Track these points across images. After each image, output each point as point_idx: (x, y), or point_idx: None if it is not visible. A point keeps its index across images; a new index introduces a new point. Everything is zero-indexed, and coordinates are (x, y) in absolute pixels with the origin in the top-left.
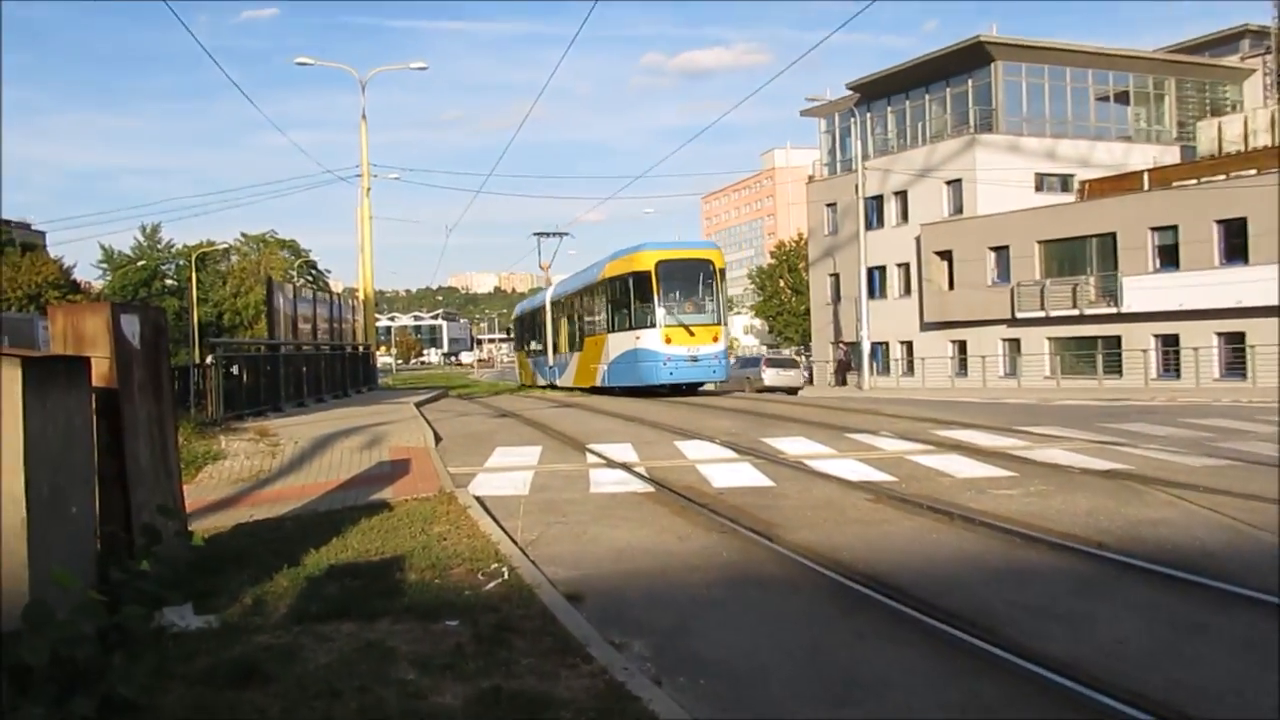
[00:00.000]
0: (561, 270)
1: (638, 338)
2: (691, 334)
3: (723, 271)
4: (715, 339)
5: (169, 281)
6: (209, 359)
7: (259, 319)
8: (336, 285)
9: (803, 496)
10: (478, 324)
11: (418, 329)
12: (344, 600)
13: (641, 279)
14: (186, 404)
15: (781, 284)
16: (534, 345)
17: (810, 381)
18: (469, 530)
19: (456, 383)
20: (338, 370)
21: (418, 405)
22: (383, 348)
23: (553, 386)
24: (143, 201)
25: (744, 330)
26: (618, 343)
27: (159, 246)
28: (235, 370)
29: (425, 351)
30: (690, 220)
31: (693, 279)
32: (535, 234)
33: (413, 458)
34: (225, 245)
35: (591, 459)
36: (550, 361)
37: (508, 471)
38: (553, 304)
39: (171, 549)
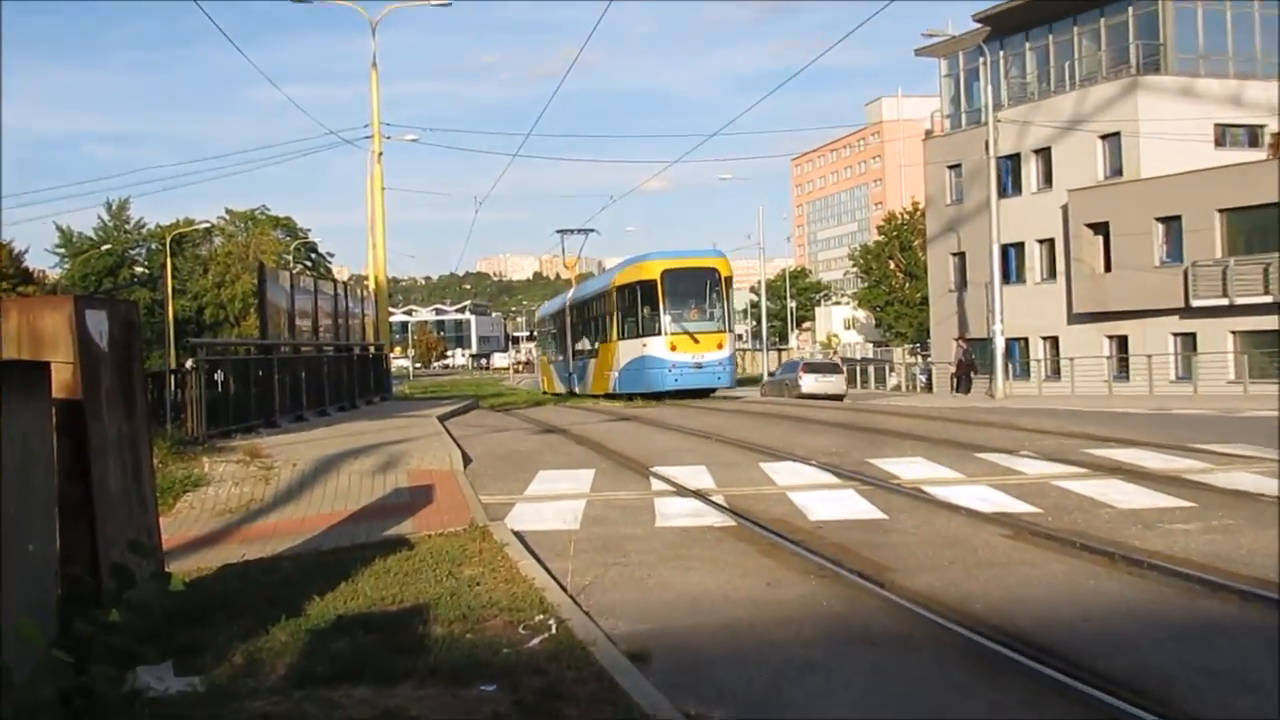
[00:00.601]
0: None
1: (644, 345)
2: (696, 341)
3: (728, 279)
4: (720, 345)
5: (139, 269)
6: (189, 363)
7: (248, 314)
8: (342, 272)
9: (922, 532)
10: (513, 318)
11: (440, 325)
12: (356, 659)
13: (648, 288)
14: (161, 419)
15: (891, 266)
16: (554, 350)
17: (928, 388)
18: (507, 573)
19: (488, 391)
20: (344, 376)
21: (441, 419)
22: (397, 348)
23: (571, 394)
24: (108, 173)
25: (845, 325)
26: (627, 350)
27: (127, 227)
28: (220, 377)
29: (450, 353)
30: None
31: (698, 287)
32: (559, 231)
33: (436, 484)
34: (206, 225)
35: (657, 485)
36: (570, 367)
37: (554, 501)
38: (571, 308)
39: (146, 595)
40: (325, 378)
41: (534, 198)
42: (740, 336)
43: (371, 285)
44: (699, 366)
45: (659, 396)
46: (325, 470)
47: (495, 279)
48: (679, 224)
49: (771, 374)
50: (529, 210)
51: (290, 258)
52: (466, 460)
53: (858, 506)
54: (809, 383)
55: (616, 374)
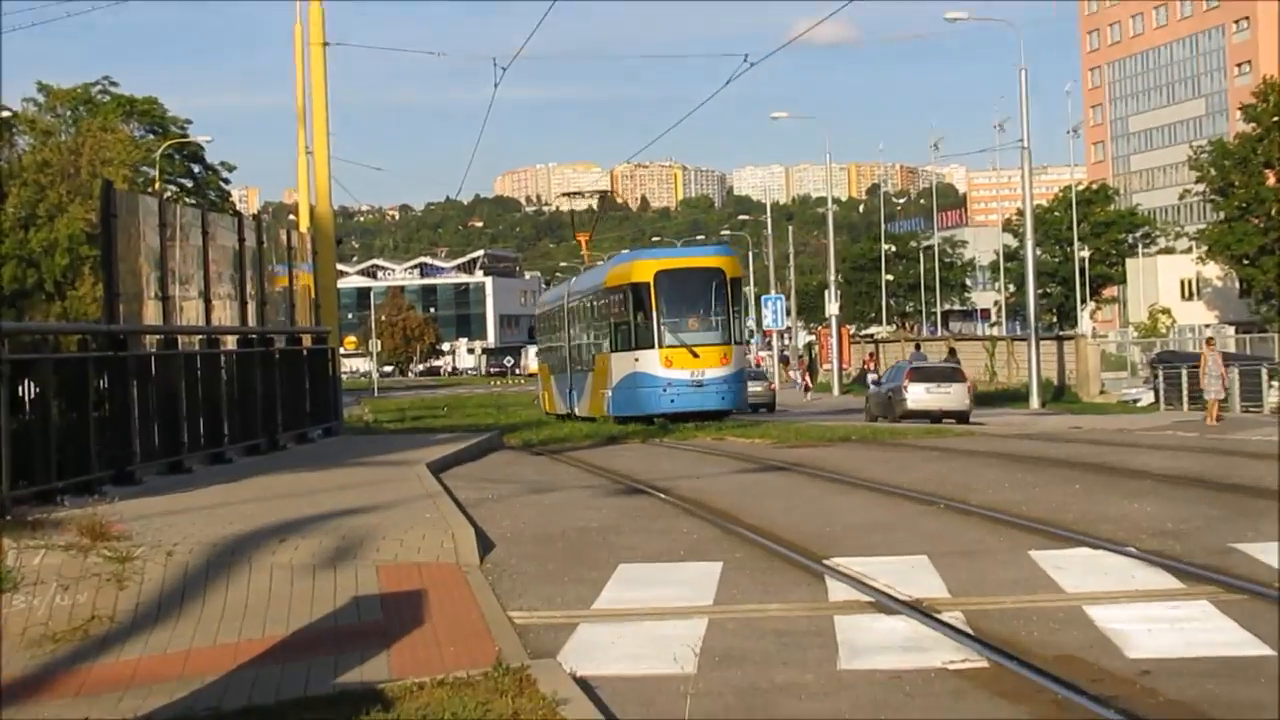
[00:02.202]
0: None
1: (636, 359)
2: (695, 355)
3: (735, 281)
4: (724, 360)
5: None
6: None
7: (79, 278)
8: (250, 199)
9: None
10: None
11: (429, 296)
12: None
13: (639, 292)
14: None
15: (1271, 179)
16: (554, 358)
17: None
18: None
19: (520, 416)
20: (257, 391)
21: (436, 470)
22: (350, 338)
23: (571, 415)
24: None
25: (1182, 291)
26: (619, 364)
27: None
28: (31, 394)
29: (447, 347)
30: (1050, 37)
31: (698, 291)
32: (564, 194)
33: (431, 588)
34: (6, 114)
35: (839, 591)
36: (570, 381)
37: (648, 620)
38: (570, 307)
39: None
40: (224, 394)
41: (598, 62)
42: (905, 322)
43: (305, 223)
44: (699, 385)
45: (651, 420)
46: (227, 564)
47: (530, 209)
48: (869, 106)
49: (876, 382)
50: (590, 85)
51: (156, 172)
52: (485, 545)
53: (1218, 635)
54: (918, 394)
55: (610, 393)
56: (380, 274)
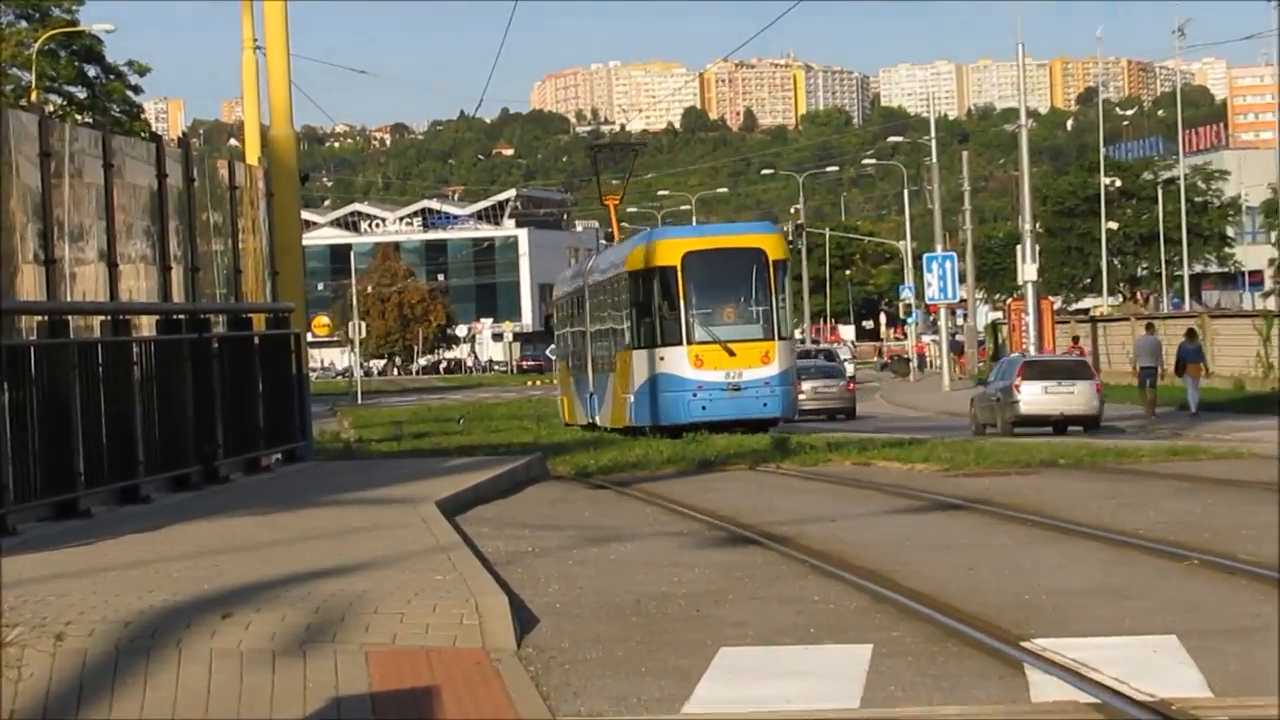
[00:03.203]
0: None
1: (661, 358)
2: (732, 353)
3: (781, 264)
4: (766, 359)
5: None
6: None
7: None
8: (173, 117)
9: None
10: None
11: (436, 260)
12: None
13: (664, 277)
14: None
15: None
16: (573, 354)
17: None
18: None
19: (571, 432)
20: (186, 399)
21: (448, 509)
22: (320, 320)
23: (592, 425)
24: None
25: None
26: (641, 364)
27: None
28: None
29: (464, 331)
30: None
31: (735, 276)
32: (591, 148)
33: (444, 684)
34: None
35: (1044, 685)
36: (590, 383)
37: None
38: (591, 289)
39: None
40: (138, 402)
41: None
42: (1135, 291)
43: (254, 152)
44: (736, 390)
45: (680, 431)
46: (146, 651)
47: (583, 129)
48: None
49: (983, 382)
50: None
51: (32, 76)
52: (525, 621)
53: None
54: (1034, 395)
55: (632, 398)
56: (366, 225)
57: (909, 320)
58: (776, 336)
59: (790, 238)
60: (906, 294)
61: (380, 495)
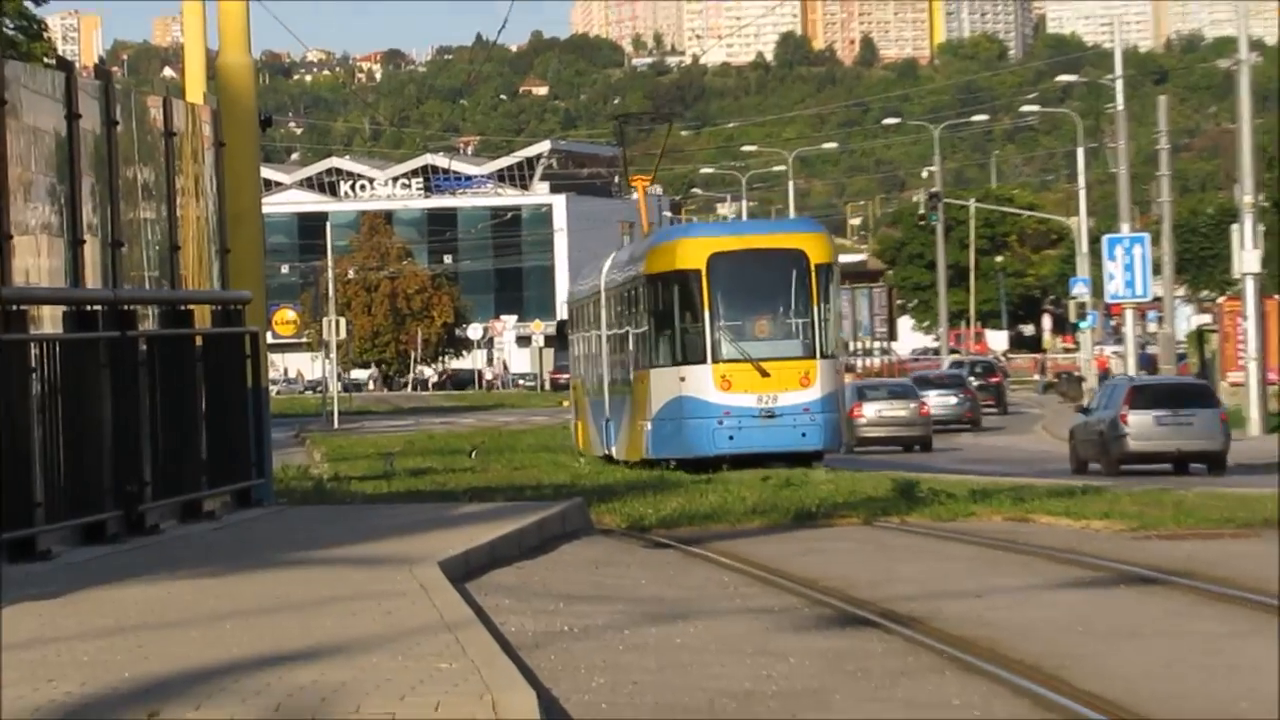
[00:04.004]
0: None
1: (682, 378)
2: (765, 374)
3: (825, 269)
4: (806, 381)
5: None
6: None
7: None
8: (86, 35)
9: None
10: (717, 209)
11: (441, 234)
12: None
13: (686, 283)
14: None
15: None
16: (590, 370)
17: None
18: None
19: (620, 472)
20: (102, 420)
21: (457, 573)
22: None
23: (609, 458)
24: None
25: None
26: (660, 384)
27: None
28: None
29: (480, 332)
30: None
31: (771, 283)
32: (617, 118)
33: None
34: None
35: None
36: (606, 406)
37: None
38: (607, 294)
39: None
40: (36, 425)
41: None
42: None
43: (197, 87)
44: (770, 416)
45: (705, 466)
46: None
47: (641, 62)
48: None
49: (1085, 409)
50: None
51: None
52: None
53: None
54: (1144, 428)
55: (649, 425)
56: (347, 187)
57: (1082, 325)
58: (819, 355)
59: (921, 211)
60: (1080, 290)
61: (364, 553)
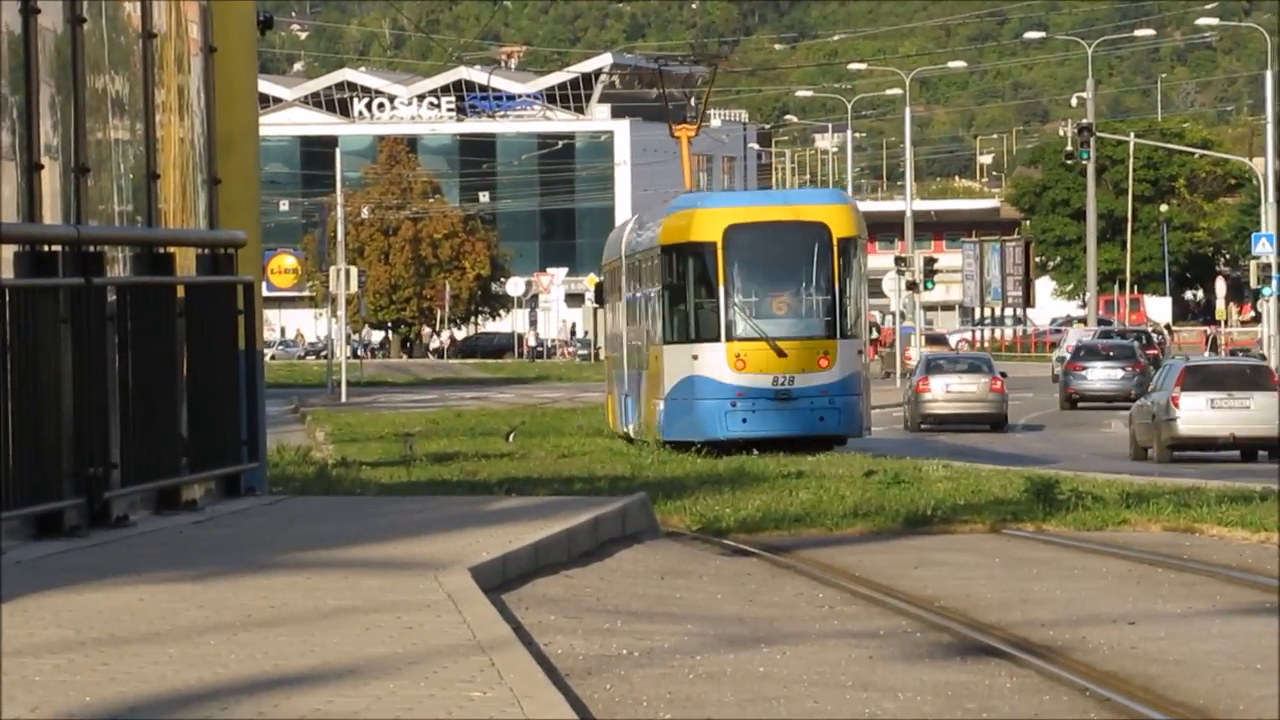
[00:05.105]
0: None
1: (695, 356)
2: (782, 354)
3: (851, 242)
4: (826, 361)
5: None
6: None
7: None
8: None
9: None
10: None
11: (476, 165)
12: None
13: (700, 256)
14: None
15: None
16: (616, 343)
17: None
18: None
19: (689, 463)
20: (58, 388)
21: (491, 581)
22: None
23: (628, 439)
24: None
25: None
26: (673, 362)
27: None
28: None
29: (523, 287)
30: None
31: (791, 258)
32: (655, 61)
33: None
34: None
35: None
36: (625, 382)
37: None
38: (628, 262)
39: None
40: None
41: None
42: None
43: None
44: (786, 398)
45: (718, 448)
46: None
47: None
48: None
49: (1144, 392)
50: None
51: None
52: None
53: None
54: (1196, 412)
55: (662, 404)
56: (361, 106)
57: (1265, 292)
58: (839, 334)
59: (1068, 148)
60: (1264, 248)
61: (379, 555)
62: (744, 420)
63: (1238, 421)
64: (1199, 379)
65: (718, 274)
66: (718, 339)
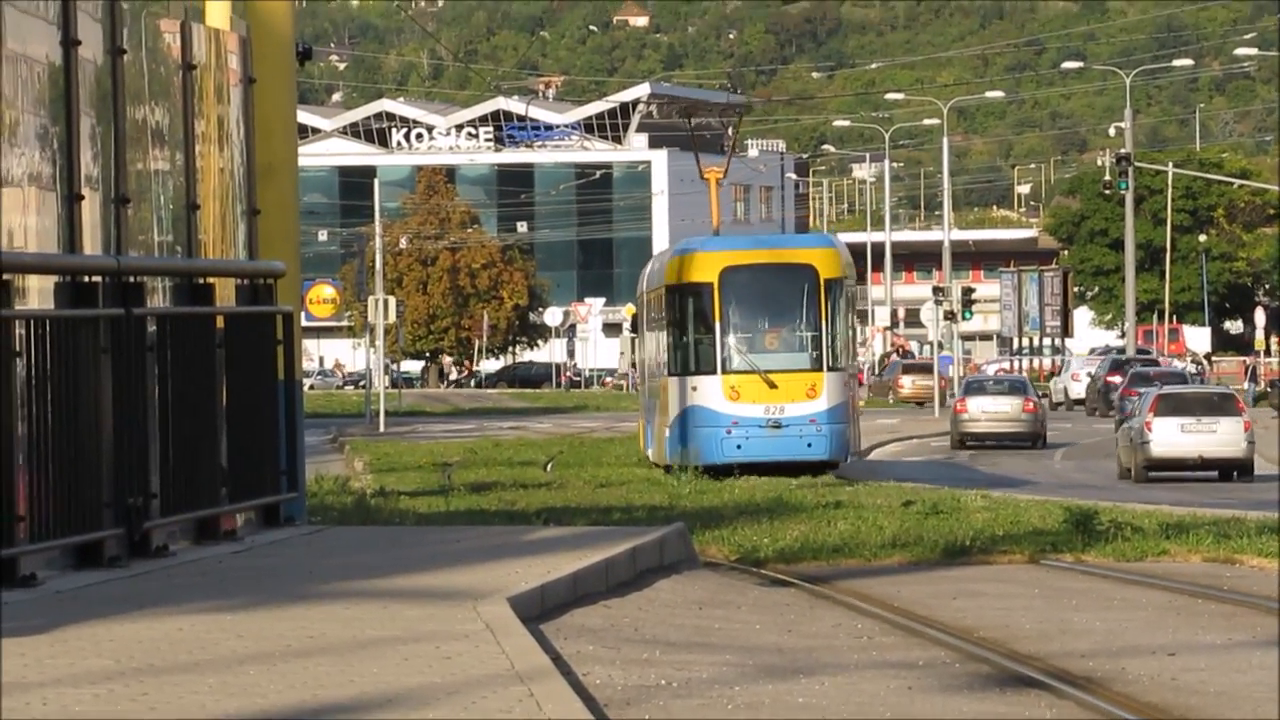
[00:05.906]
0: None
1: (694, 387)
2: (773, 385)
3: (836, 283)
4: (813, 392)
5: None
6: None
7: None
8: None
9: None
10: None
11: (514, 195)
12: None
13: (699, 295)
14: None
15: None
16: (644, 372)
17: None
18: None
19: (730, 493)
20: (96, 420)
21: (530, 612)
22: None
23: (649, 462)
24: None
25: None
26: (674, 393)
27: None
28: None
29: (560, 317)
30: None
31: (781, 297)
32: (684, 109)
33: None
34: None
35: None
36: (645, 410)
37: None
38: (648, 295)
39: None
40: (22, 419)
41: None
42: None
43: (221, 13)
44: (777, 427)
45: (717, 473)
46: None
47: None
48: None
49: (1125, 416)
50: None
51: None
52: None
53: None
54: (1167, 435)
55: (668, 431)
56: (400, 136)
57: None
58: (826, 367)
59: (1106, 177)
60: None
61: (417, 585)
62: (739, 446)
63: (1206, 444)
64: (1171, 406)
65: (714, 312)
66: (714, 371)
